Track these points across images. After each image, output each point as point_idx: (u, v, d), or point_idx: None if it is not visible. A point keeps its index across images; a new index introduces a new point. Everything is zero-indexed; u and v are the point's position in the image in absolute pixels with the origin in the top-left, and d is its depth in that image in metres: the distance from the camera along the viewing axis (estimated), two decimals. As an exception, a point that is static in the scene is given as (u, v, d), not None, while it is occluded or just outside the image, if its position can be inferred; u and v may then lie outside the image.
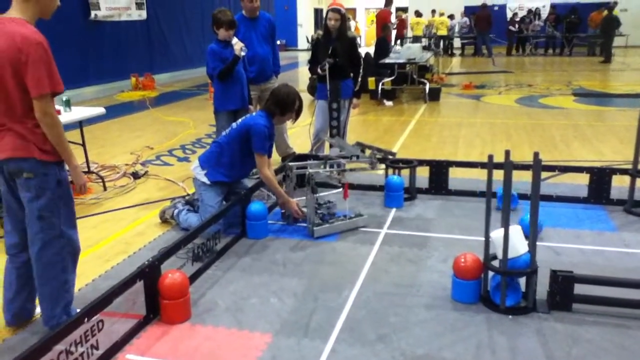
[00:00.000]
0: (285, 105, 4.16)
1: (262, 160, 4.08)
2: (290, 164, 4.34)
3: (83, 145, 5.43)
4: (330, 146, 5.39)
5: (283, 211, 4.31)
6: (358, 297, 3.13)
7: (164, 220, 4.34)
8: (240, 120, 4.23)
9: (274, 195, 4.33)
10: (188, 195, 4.77)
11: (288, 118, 4.30)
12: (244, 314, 2.98)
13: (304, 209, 4.12)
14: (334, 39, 5.34)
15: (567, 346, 2.63)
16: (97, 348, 2.49)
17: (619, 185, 4.53)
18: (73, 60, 11.71)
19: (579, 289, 2.89)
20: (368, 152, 4.50)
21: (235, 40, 4.84)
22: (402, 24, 20.95)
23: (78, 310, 2.62)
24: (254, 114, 4.36)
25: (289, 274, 3.44)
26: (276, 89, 4.28)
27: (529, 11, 22.70)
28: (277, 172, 4.45)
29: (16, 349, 2.13)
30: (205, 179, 4.05)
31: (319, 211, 4.12)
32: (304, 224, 4.13)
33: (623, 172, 4.54)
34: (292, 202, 4.15)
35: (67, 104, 5.26)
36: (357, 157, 4.44)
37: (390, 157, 4.77)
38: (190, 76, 15.52)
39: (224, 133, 4.25)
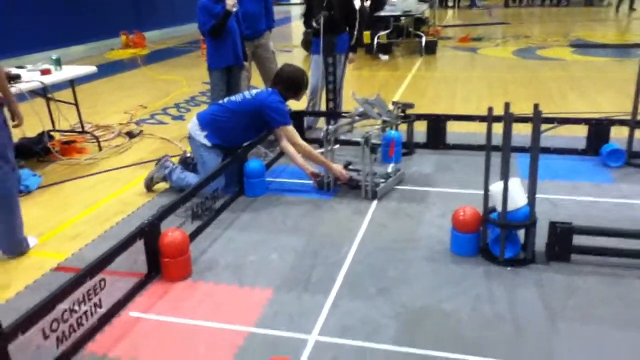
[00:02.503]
0: (297, 86, 4.09)
1: (290, 132, 3.95)
2: (329, 127, 4.12)
3: (76, 104, 5.35)
4: (327, 102, 5.32)
5: (318, 179, 4.08)
6: (357, 252, 3.15)
7: (150, 188, 4.17)
8: (254, 92, 4.06)
9: (318, 164, 4.06)
10: (175, 155, 4.72)
11: (302, 95, 4.23)
12: (244, 271, 3.00)
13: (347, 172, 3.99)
14: (328, -8, 5.21)
15: (566, 296, 2.66)
16: (100, 306, 2.51)
17: (618, 136, 4.51)
18: (61, 19, 11.46)
19: (577, 240, 2.92)
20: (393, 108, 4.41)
21: (227, -6, 4.71)
22: None
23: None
24: (264, 90, 4.14)
25: (288, 231, 3.45)
26: (281, 72, 4.11)
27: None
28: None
29: (20, 309, 2.14)
30: (205, 141, 3.96)
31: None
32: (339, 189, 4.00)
33: (622, 123, 4.52)
34: (337, 167, 4.00)
35: (58, 62, 5.16)
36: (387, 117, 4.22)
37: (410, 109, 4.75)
38: (182, 33, 15.23)
39: (232, 99, 4.08)
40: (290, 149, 4.05)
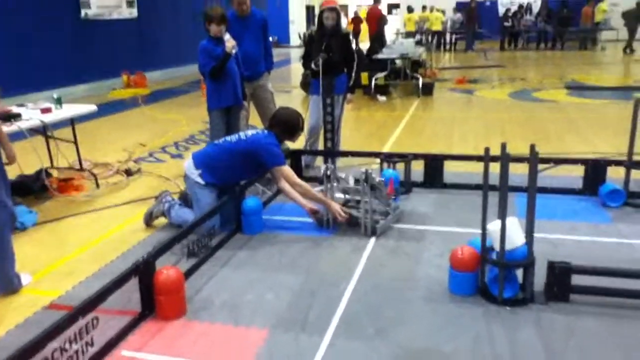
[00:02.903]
0: (293, 129, 4.16)
1: (285, 171, 3.98)
2: (329, 164, 4.15)
3: (75, 142, 5.38)
4: (325, 141, 5.36)
5: (317, 216, 4.06)
6: (355, 292, 3.11)
7: (149, 223, 4.18)
8: (250, 133, 4.10)
9: (316, 202, 4.03)
10: (176, 192, 4.72)
11: (298, 137, 4.28)
12: (240, 310, 2.95)
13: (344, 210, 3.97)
14: (327, 35, 5.32)
15: (566, 337, 2.62)
16: (91, 345, 2.46)
17: (614, 177, 4.53)
18: (64, 59, 11.64)
19: (576, 279, 2.89)
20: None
21: (227, 37, 4.79)
22: (357, 20, 22.25)
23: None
24: (259, 132, 4.15)
25: (285, 269, 3.42)
26: (278, 114, 4.19)
27: (520, 6, 22.78)
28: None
29: (9, 348, 2.09)
30: (199, 179, 3.98)
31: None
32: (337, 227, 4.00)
33: (618, 163, 4.54)
34: (335, 205, 3.98)
35: (59, 101, 5.21)
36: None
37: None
38: (182, 74, 15.44)
39: (228, 139, 4.12)
40: (288, 187, 4.05)
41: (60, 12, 11.58)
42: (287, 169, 4.02)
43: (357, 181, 4.18)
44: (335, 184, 4.13)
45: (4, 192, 3.15)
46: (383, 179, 4.03)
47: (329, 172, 4.07)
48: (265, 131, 4.13)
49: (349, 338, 2.66)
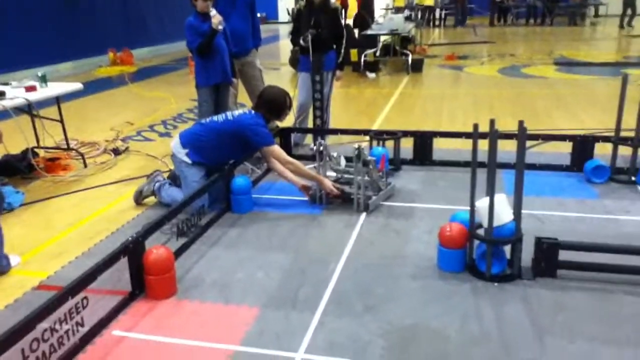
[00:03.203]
0: (280, 108, 4.12)
1: (275, 150, 3.97)
2: (322, 141, 4.14)
3: (61, 121, 5.31)
4: (314, 119, 5.34)
5: (310, 192, 4.09)
6: (344, 269, 3.13)
7: (139, 202, 4.18)
8: (236, 113, 4.08)
9: (308, 179, 4.06)
10: (166, 171, 4.69)
11: (285, 117, 4.24)
12: (231, 289, 2.96)
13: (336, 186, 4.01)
14: (316, 10, 5.25)
15: (553, 313, 2.65)
16: (82, 325, 2.46)
17: (602, 153, 4.56)
18: (49, 36, 11.44)
19: (563, 255, 2.92)
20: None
21: (213, 13, 4.71)
22: None
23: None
24: (246, 112, 4.13)
25: (275, 248, 3.43)
26: (264, 94, 4.17)
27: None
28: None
29: (-1, 329, 2.09)
30: (186, 158, 3.96)
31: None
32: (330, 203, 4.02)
33: (605, 139, 4.57)
34: (327, 181, 4.00)
35: (44, 79, 5.13)
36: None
37: None
38: (169, 51, 15.26)
39: (214, 118, 4.11)
40: (279, 166, 4.05)
41: (44, -12, 11.37)
42: (276, 148, 4.00)
43: (348, 160, 4.19)
44: (327, 160, 4.12)
45: None
46: (374, 157, 4.03)
47: (321, 149, 4.07)
48: (252, 111, 4.10)
49: (339, 315, 2.68)
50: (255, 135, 3.94)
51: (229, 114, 4.12)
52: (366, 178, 3.93)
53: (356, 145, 3.87)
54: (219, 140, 3.97)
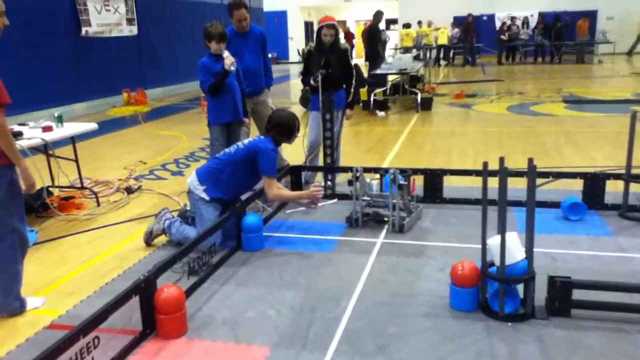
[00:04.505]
0: (290, 130, 4.22)
1: (272, 182, 4.09)
2: (358, 167, 4.36)
3: (76, 160, 5.39)
4: (325, 157, 5.38)
5: (313, 207, 4.35)
6: (356, 308, 3.11)
7: (150, 242, 4.17)
8: (247, 141, 4.19)
9: (296, 202, 4.49)
10: (174, 210, 4.73)
11: (294, 139, 4.34)
12: (241, 328, 2.95)
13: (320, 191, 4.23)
14: (326, 51, 5.36)
15: (567, 352, 2.61)
16: (93, 365, 2.46)
17: (613, 190, 4.54)
18: (64, 77, 11.73)
19: (577, 294, 2.89)
20: None
21: (226, 54, 4.84)
22: (349, 36, 23.60)
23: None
24: (257, 137, 4.27)
25: (286, 286, 3.42)
26: (274, 117, 4.28)
27: (512, 18, 22.95)
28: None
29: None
30: (204, 195, 4.00)
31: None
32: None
33: (616, 177, 4.56)
34: (305, 192, 4.29)
35: (60, 119, 5.24)
36: None
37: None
38: (182, 90, 15.53)
39: (227, 150, 4.20)
40: (276, 190, 4.14)
41: (61, 30, 11.69)
42: (273, 182, 4.12)
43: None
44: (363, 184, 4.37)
45: (17, 217, 3.09)
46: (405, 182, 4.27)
47: (357, 174, 4.29)
48: (263, 137, 4.20)
49: (351, 355, 2.66)
50: (265, 162, 4.01)
51: (239, 143, 4.24)
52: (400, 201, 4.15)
53: (392, 171, 4.15)
54: (234, 168, 4.04)
